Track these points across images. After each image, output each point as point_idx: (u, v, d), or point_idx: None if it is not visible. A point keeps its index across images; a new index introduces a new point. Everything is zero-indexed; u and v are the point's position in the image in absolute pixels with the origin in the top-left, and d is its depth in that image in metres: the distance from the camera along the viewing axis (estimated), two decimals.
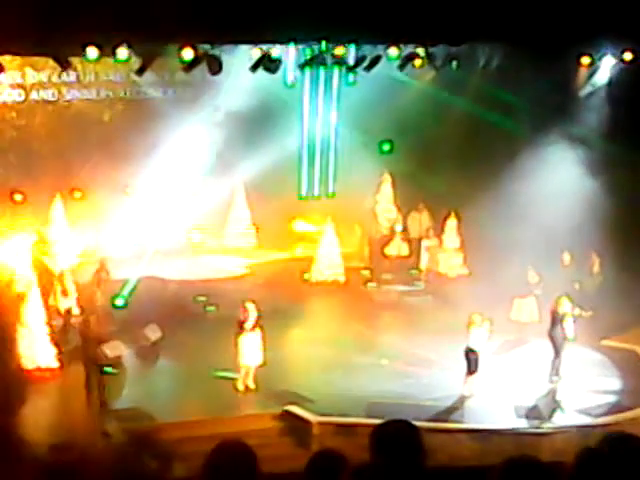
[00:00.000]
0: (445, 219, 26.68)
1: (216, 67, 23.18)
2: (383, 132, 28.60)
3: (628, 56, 25.25)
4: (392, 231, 28.05)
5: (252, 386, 19.32)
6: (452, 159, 27.63)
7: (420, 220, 28.04)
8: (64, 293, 21.34)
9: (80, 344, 19.00)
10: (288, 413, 18.24)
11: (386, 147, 28.97)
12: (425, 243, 27.16)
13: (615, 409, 19.17)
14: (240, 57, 24.07)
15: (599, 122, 26.42)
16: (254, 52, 23.70)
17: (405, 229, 28.00)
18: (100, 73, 25.63)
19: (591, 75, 26.67)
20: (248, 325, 19.17)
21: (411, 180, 27.61)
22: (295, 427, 17.96)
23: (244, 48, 23.76)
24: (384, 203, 28.89)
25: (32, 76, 25.06)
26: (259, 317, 19.26)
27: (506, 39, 23.43)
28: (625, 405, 19.36)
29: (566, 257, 24.82)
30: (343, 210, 27.59)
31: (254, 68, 23.93)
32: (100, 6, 18.61)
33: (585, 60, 25.46)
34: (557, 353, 20.08)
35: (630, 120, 25.67)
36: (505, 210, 24.91)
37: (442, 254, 26.72)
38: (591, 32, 22.70)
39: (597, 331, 21.94)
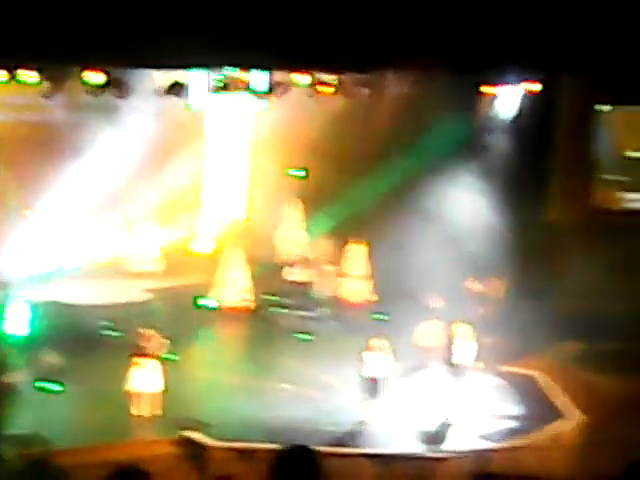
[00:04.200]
0: (350, 245, 26.79)
1: (124, 91, 23.08)
2: (295, 158, 28.70)
3: (533, 86, 25.64)
4: (297, 256, 28.14)
5: (153, 412, 19.14)
6: (361, 187, 27.75)
7: (325, 246, 28.09)
8: None
9: None
10: (185, 438, 18.12)
11: (297, 173, 29.08)
12: (329, 269, 27.26)
13: (513, 434, 19.36)
14: (148, 81, 23.98)
15: (503, 152, 26.81)
16: (162, 76, 23.61)
17: (310, 255, 28.05)
18: (5, 95, 25.33)
19: (496, 104, 27.07)
20: (146, 351, 19.07)
21: (319, 207, 27.69)
22: (192, 452, 17.81)
23: (152, 72, 23.67)
24: (291, 228, 28.98)
25: None
26: (160, 343, 19.16)
27: (411, 67, 23.60)
28: (523, 430, 19.55)
29: (472, 283, 25.09)
30: (251, 235, 27.58)
31: (162, 92, 23.84)
32: (8, 28, 18.46)
33: (489, 89, 25.79)
34: (455, 378, 20.25)
35: (534, 151, 26.14)
36: (411, 237, 25.14)
37: (346, 280, 26.85)
38: (496, 61, 22.97)
39: (497, 356, 22.21)
